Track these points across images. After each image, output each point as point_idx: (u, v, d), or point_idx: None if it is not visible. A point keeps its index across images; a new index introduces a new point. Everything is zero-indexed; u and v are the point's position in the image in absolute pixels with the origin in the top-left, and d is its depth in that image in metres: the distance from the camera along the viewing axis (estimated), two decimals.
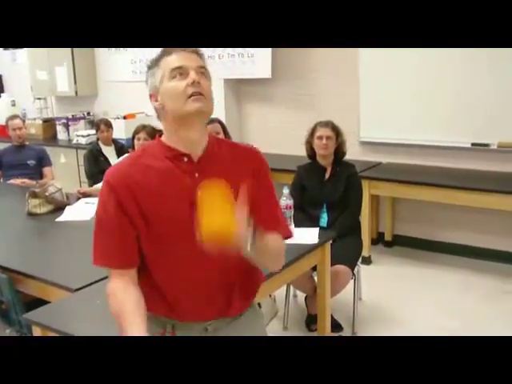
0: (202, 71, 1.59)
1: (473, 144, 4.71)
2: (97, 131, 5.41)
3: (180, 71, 1.56)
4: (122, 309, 1.56)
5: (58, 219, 3.70)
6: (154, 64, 1.63)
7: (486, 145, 4.66)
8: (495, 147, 4.61)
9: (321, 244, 3.25)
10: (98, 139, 5.44)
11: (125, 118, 6.53)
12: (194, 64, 1.58)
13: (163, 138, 1.66)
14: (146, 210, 1.59)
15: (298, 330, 3.81)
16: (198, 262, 1.59)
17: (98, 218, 1.66)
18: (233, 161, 1.69)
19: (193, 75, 1.55)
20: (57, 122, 7.46)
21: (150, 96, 1.64)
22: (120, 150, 5.41)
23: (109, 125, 5.40)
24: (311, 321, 3.77)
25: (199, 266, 1.61)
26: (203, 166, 1.62)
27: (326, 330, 3.49)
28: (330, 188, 3.85)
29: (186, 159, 1.62)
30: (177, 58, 1.58)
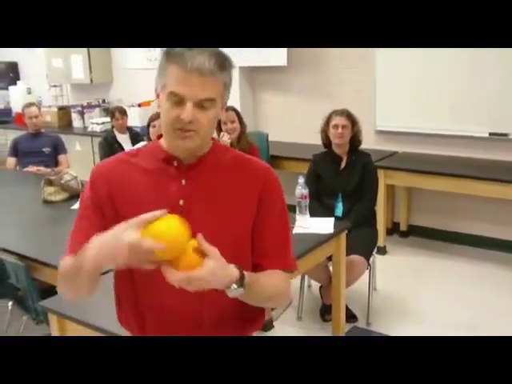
0: (205, 105, 1.36)
1: (490, 133, 4.65)
2: (111, 119, 5.42)
3: (176, 99, 1.35)
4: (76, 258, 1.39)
5: (73, 207, 3.71)
6: (162, 61, 1.41)
7: (504, 134, 4.60)
8: None
9: (336, 234, 3.23)
10: (112, 127, 5.45)
11: (140, 105, 6.54)
12: (195, 95, 1.34)
13: (162, 139, 1.51)
14: (120, 213, 1.43)
15: (312, 320, 3.80)
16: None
17: (77, 213, 1.54)
18: (236, 175, 1.51)
19: (188, 112, 1.34)
20: (72, 110, 7.47)
21: (156, 92, 1.45)
22: (135, 137, 5.42)
23: (123, 112, 5.40)
24: (326, 311, 3.76)
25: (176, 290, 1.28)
26: (194, 172, 1.46)
27: (341, 321, 3.48)
28: (346, 177, 3.83)
29: (175, 163, 1.46)
30: (179, 77, 1.34)
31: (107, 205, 1.47)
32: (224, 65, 1.40)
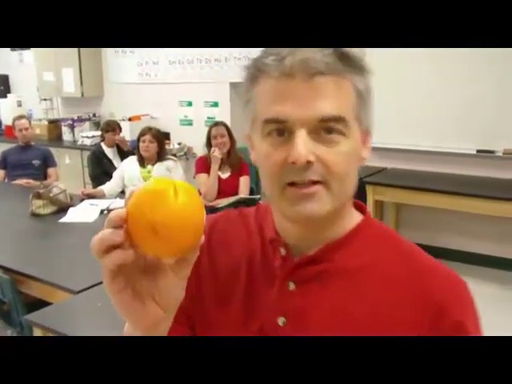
0: (331, 130, 0.78)
1: (478, 151, 4.70)
2: (107, 132, 5.35)
3: (278, 127, 0.79)
4: None
5: (62, 220, 3.70)
6: (245, 82, 0.86)
7: (492, 151, 4.64)
8: (500, 154, 4.60)
9: None
10: (102, 141, 5.44)
11: (130, 119, 6.55)
12: (307, 112, 0.77)
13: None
14: (198, 301, 0.93)
15: None
16: None
17: None
18: (393, 286, 0.84)
19: (300, 145, 0.76)
20: (62, 123, 7.48)
21: (246, 135, 0.90)
22: (123, 151, 5.43)
23: (120, 128, 5.44)
24: None
25: None
26: (313, 273, 0.86)
27: None
28: None
29: (283, 251, 0.88)
30: (272, 90, 0.80)
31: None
32: (352, 59, 0.81)
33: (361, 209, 0.93)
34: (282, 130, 0.79)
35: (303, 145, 0.76)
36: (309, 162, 0.77)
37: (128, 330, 0.80)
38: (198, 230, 0.68)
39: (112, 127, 5.39)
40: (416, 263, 0.89)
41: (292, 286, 0.86)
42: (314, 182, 0.79)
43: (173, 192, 0.66)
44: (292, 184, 0.79)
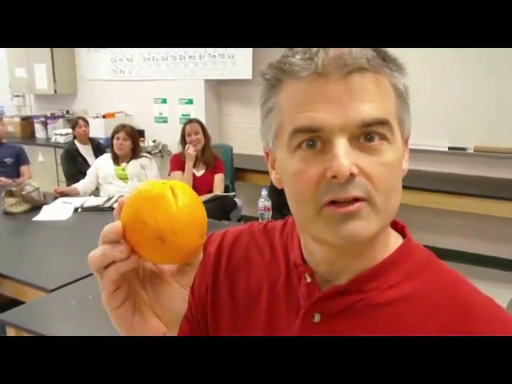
0: (372, 138, 0.68)
1: (450, 148, 4.78)
2: (73, 128, 5.35)
3: (310, 136, 0.68)
4: None
5: (35, 218, 3.67)
6: (267, 85, 0.74)
7: (463, 148, 4.72)
8: (471, 151, 4.68)
9: None
10: (74, 138, 5.40)
11: (104, 117, 6.50)
12: (350, 117, 0.67)
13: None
14: (214, 324, 0.87)
15: None
16: None
17: None
18: (432, 325, 0.73)
19: (341, 156, 0.66)
20: (35, 121, 7.39)
21: (265, 152, 0.83)
22: (97, 148, 5.39)
23: (86, 121, 5.39)
24: None
25: None
26: (339, 306, 0.76)
27: None
28: None
29: (308, 279, 0.79)
30: (303, 94, 0.68)
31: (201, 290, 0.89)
32: (390, 56, 0.73)
33: (401, 230, 0.85)
34: (313, 140, 0.68)
35: (345, 155, 0.66)
36: (352, 175, 0.66)
37: None
38: (202, 229, 0.65)
39: (75, 121, 5.37)
40: (463, 301, 0.75)
41: (317, 318, 0.77)
42: (356, 200, 0.68)
43: (171, 194, 0.62)
44: (331, 203, 0.68)
